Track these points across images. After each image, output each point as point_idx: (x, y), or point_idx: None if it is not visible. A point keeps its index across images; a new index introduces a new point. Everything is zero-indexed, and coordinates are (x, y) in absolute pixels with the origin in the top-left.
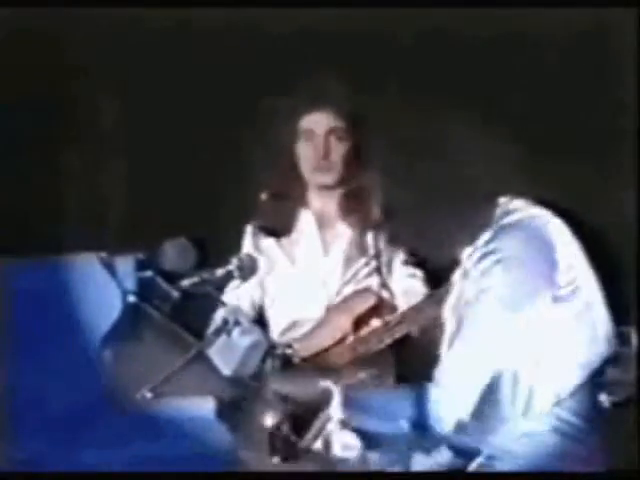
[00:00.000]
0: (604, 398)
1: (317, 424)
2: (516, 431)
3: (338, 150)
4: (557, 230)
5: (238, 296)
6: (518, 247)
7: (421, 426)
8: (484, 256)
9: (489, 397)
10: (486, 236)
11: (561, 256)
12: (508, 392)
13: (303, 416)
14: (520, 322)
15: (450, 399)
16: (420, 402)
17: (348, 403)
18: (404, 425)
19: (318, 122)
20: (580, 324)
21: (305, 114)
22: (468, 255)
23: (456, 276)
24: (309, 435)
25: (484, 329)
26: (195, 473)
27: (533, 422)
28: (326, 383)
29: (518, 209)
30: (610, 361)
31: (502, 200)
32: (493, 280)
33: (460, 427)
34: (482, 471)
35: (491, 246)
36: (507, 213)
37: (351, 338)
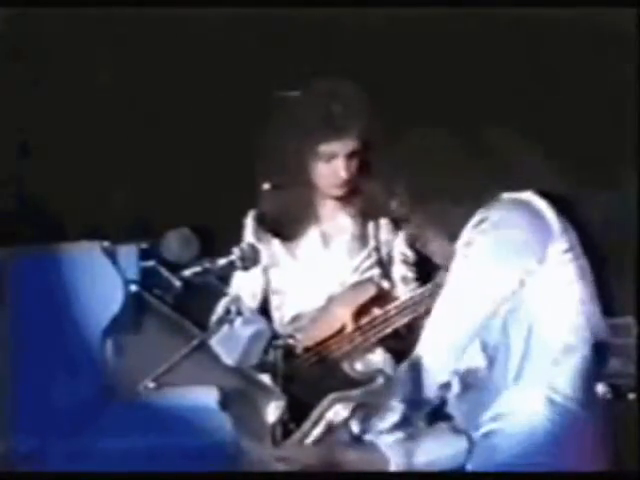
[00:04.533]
0: (604, 389)
1: (316, 412)
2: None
3: (355, 167)
4: (554, 214)
5: (241, 286)
6: (506, 217)
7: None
8: (472, 228)
9: (476, 365)
10: (478, 215)
11: (557, 235)
12: (499, 359)
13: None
14: (504, 288)
15: (436, 367)
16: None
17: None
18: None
19: (340, 148)
20: (567, 296)
21: (326, 141)
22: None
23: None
24: (308, 422)
25: (465, 292)
26: (194, 473)
27: (527, 394)
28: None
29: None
30: (609, 352)
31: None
32: (476, 247)
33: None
34: (482, 471)
35: (479, 217)
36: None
37: (350, 328)
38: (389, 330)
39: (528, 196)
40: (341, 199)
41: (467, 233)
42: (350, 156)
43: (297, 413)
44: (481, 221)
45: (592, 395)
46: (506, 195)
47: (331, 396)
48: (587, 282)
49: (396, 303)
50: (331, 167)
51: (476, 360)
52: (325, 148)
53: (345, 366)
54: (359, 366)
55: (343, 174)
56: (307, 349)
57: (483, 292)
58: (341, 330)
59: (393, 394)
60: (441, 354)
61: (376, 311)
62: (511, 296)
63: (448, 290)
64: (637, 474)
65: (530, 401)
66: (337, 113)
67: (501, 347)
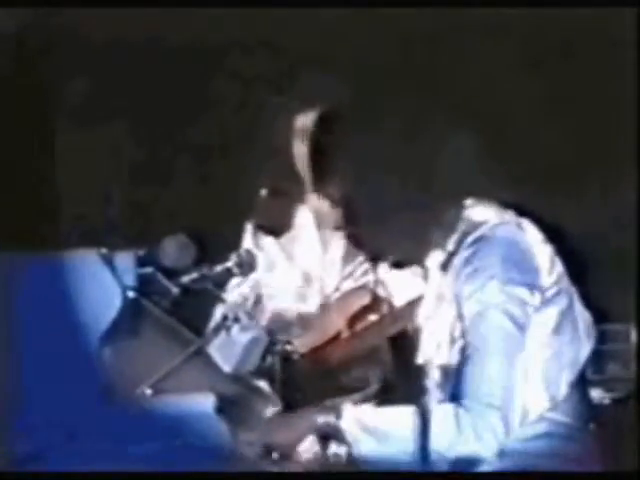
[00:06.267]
0: (604, 395)
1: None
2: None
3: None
4: (530, 234)
5: (239, 294)
6: (499, 265)
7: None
8: (470, 276)
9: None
10: (465, 250)
11: (541, 260)
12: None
13: None
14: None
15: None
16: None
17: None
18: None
19: (312, 121)
20: (565, 323)
21: (299, 114)
22: (440, 262)
23: (433, 278)
24: None
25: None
26: (195, 473)
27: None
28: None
29: (488, 218)
30: (609, 357)
31: (468, 202)
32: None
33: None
34: (482, 471)
35: (473, 265)
36: (477, 224)
37: (346, 335)
38: (385, 337)
39: (509, 228)
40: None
41: (463, 279)
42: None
43: None
44: (476, 272)
45: (592, 402)
46: (488, 229)
47: (326, 403)
48: (575, 307)
49: (391, 310)
50: (306, 144)
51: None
52: (299, 122)
53: (340, 373)
54: (354, 373)
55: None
56: (302, 356)
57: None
58: (336, 337)
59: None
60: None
61: (371, 318)
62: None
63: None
64: (637, 474)
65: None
66: (310, 87)
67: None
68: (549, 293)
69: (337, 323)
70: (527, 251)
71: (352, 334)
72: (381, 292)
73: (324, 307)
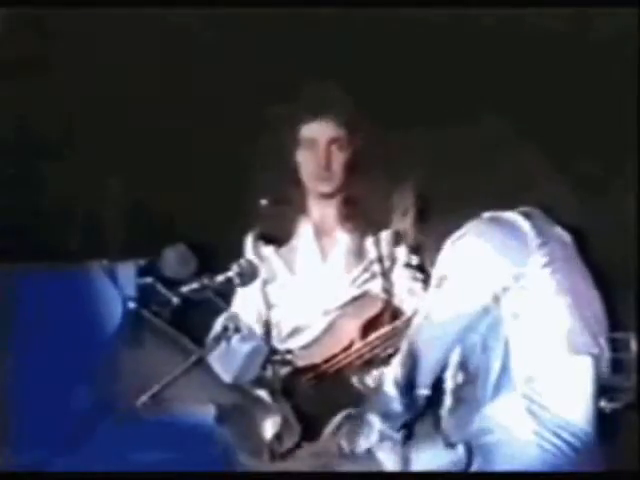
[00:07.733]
0: (604, 404)
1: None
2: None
3: (338, 159)
4: (534, 230)
5: (245, 304)
6: (483, 234)
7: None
8: (451, 243)
9: (460, 381)
10: (459, 231)
11: (535, 252)
12: (480, 374)
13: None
14: (477, 302)
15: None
16: None
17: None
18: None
19: (320, 131)
20: (546, 311)
21: (307, 123)
22: None
23: None
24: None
25: (442, 305)
26: (195, 473)
27: (506, 409)
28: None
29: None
30: (610, 367)
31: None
32: (453, 262)
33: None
34: (482, 471)
35: (459, 234)
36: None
37: (359, 344)
38: (398, 345)
39: (509, 215)
40: (340, 212)
41: (447, 247)
42: (331, 142)
43: (306, 429)
44: (460, 237)
45: (594, 411)
46: (487, 214)
47: (345, 412)
48: (568, 297)
49: (403, 318)
50: (313, 154)
51: (460, 376)
52: (306, 133)
53: (355, 381)
54: (369, 381)
55: (323, 160)
56: (316, 365)
57: (458, 306)
58: (349, 346)
59: (370, 407)
60: (420, 367)
61: (384, 326)
62: (485, 311)
63: (429, 301)
64: (637, 474)
65: (509, 416)
66: (319, 95)
67: (481, 363)
68: (538, 274)
69: (350, 332)
70: (523, 239)
71: (365, 343)
72: (391, 299)
73: (336, 316)
